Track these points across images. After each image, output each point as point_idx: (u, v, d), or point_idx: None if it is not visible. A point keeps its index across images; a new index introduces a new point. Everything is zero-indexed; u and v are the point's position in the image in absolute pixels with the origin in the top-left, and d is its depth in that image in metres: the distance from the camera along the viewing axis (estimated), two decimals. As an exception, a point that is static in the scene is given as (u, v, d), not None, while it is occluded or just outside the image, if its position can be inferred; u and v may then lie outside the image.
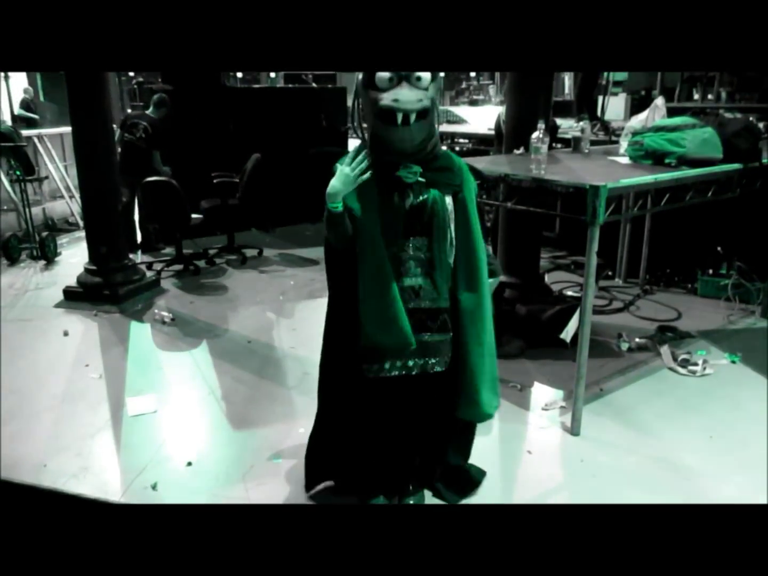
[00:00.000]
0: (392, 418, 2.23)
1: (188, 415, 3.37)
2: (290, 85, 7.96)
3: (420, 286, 2.08)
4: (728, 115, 4.27)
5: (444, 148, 2.17)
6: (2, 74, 16.58)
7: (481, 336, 2.14)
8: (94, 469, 2.86)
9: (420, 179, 2.00)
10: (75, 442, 3.07)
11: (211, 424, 3.29)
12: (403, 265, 2.06)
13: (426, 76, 1.90)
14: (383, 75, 1.88)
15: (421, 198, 2.02)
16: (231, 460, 2.93)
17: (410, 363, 2.13)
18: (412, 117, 1.86)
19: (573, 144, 4.31)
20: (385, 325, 2.02)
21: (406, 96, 1.85)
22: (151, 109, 6.20)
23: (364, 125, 2.09)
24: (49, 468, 2.86)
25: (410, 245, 2.05)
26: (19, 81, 18.46)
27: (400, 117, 1.85)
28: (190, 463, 2.89)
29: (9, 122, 14.37)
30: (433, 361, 2.15)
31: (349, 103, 2.16)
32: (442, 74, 1.99)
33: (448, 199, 2.06)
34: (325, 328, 2.29)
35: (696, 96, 6.76)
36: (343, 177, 1.90)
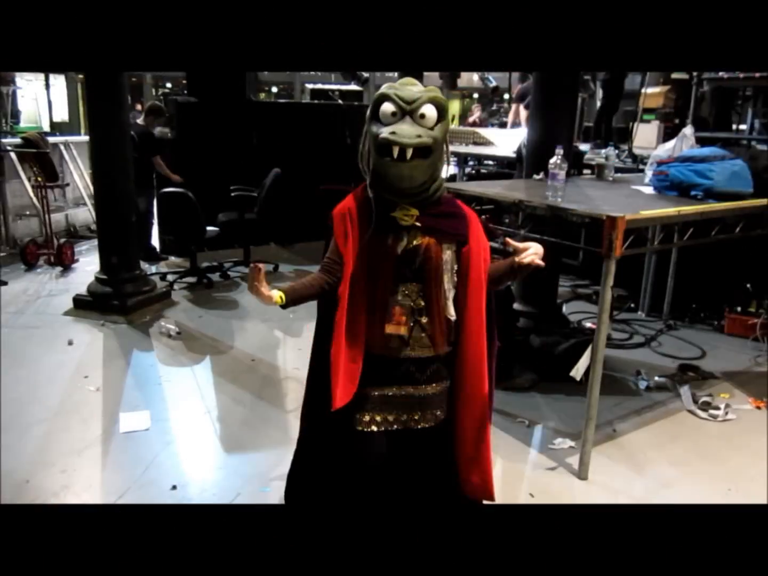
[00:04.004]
0: (375, 479, 2.05)
1: (181, 435, 3.26)
2: (316, 101, 7.90)
3: (402, 335, 1.91)
4: (761, 147, 4.09)
5: (449, 194, 2.01)
6: (44, 83, 17.07)
7: (473, 393, 1.98)
8: (76, 488, 2.76)
9: (416, 224, 1.87)
10: (61, 458, 2.98)
11: (203, 445, 3.19)
12: (388, 311, 1.91)
13: (431, 113, 1.79)
14: (387, 108, 1.79)
15: (414, 243, 1.88)
16: (218, 487, 2.81)
17: (391, 417, 1.95)
18: (409, 152, 1.74)
19: (597, 171, 4.17)
20: (333, 372, 1.90)
21: (404, 130, 1.75)
22: (141, 117, 6.30)
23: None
24: (31, 484, 2.78)
25: (399, 291, 1.91)
26: (59, 89, 18.95)
27: (396, 151, 1.75)
28: (174, 487, 2.78)
29: (47, 128, 14.76)
30: (417, 416, 1.97)
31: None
32: (450, 122, 1.86)
33: (447, 248, 1.91)
34: (309, 370, 2.16)
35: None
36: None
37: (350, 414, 1.94)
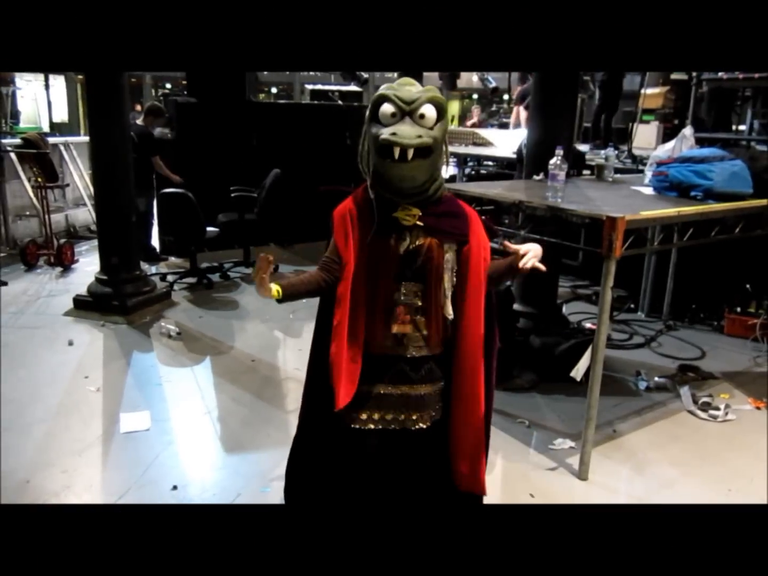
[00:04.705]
0: (370, 477, 2.05)
1: (181, 435, 3.26)
2: (316, 102, 7.90)
3: (406, 333, 1.93)
4: (761, 147, 4.09)
5: (449, 193, 2.02)
6: (43, 83, 17.08)
7: (469, 392, 1.98)
8: (77, 488, 2.76)
9: (418, 223, 1.88)
10: (62, 458, 2.98)
11: (203, 446, 3.19)
12: (393, 311, 1.92)
13: (430, 113, 1.79)
14: (386, 109, 1.79)
15: (417, 243, 1.89)
16: (218, 487, 2.82)
17: (388, 416, 1.96)
18: (410, 153, 1.75)
19: (596, 172, 4.17)
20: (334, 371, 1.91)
21: (405, 131, 1.75)
22: (141, 117, 6.29)
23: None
24: (32, 484, 2.78)
25: (401, 290, 1.91)
26: (59, 89, 18.97)
27: (397, 152, 1.75)
28: (175, 487, 2.78)
29: (47, 128, 14.77)
30: (415, 416, 1.97)
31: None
32: (450, 123, 1.87)
33: (449, 248, 1.91)
34: (308, 368, 2.14)
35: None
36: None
37: (347, 412, 1.94)
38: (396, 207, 1.88)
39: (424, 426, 1.98)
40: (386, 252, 1.88)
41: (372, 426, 1.95)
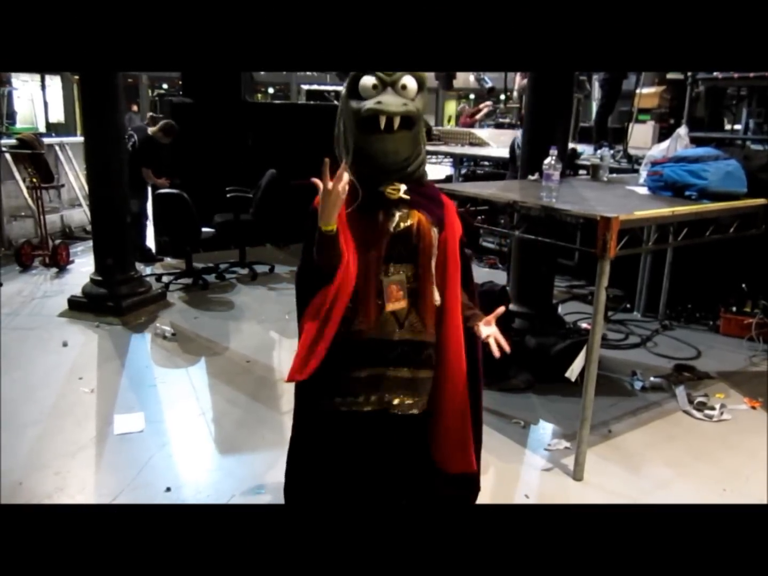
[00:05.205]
0: (363, 460, 2.05)
1: (175, 437, 3.25)
2: (312, 102, 7.90)
3: (404, 307, 1.88)
4: (755, 147, 4.09)
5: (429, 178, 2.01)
6: (39, 84, 17.01)
7: (455, 378, 1.96)
8: (70, 490, 2.75)
9: (404, 197, 1.84)
10: (55, 460, 2.97)
11: (198, 447, 3.18)
12: (386, 290, 1.86)
13: (412, 85, 1.78)
14: (367, 82, 1.77)
15: (408, 222, 1.85)
16: (212, 489, 2.80)
17: (376, 397, 1.91)
18: (396, 121, 1.72)
19: (591, 172, 4.16)
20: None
21: (390, 100, 1.74)
22: (154, 128, 6.18)
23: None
24: (24, 486, 2.77)
25: (393, 269, 1.87)
26: (55, 90, 18.91)
27: (383, 121, 1.72)
28: (168, 489, 2.77)
29: (43, 129, 14.72)
30: (410, 401, 1.94)
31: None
32: (428, 86, 1.86)
33: (433, 230, 1.89)
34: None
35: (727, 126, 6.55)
36: (332, 196, 1.71)
37: (344, 397, 1.91)
38: (380, 183, 1.84)
39: (416, 412, 1.96)
40: (376, 229, 1.83)
41: (370, 408, 1.91)
